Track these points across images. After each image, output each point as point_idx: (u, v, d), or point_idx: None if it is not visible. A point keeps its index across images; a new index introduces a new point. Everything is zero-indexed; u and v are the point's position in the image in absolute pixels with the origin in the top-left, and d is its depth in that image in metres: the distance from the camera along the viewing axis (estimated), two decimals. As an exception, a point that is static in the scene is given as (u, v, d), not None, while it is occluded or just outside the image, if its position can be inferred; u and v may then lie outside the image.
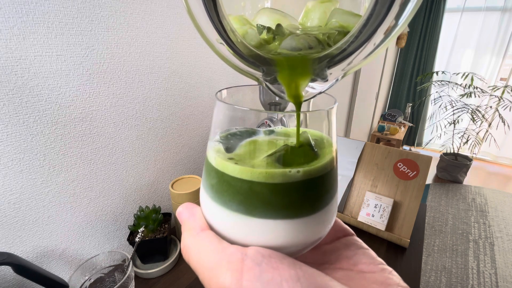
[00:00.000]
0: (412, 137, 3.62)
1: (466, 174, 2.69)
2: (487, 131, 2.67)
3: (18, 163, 0.46)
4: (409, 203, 0.70)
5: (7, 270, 0.48)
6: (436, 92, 2.86)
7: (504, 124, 2.48)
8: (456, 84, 2.65)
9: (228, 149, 0.17)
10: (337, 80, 0.16)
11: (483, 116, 2.55)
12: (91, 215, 0.59)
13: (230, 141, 0.17)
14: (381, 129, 3.18)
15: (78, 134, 0.53)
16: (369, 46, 0.14)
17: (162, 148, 0.71)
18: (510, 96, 2.46)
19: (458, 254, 1.76)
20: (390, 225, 0.70)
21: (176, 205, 0.64)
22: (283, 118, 0.51)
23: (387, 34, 0.13)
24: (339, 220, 0.20)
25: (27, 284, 0.50)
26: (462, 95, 2.56)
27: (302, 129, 0.17)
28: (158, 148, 0.70)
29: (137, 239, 0.55)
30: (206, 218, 0.17)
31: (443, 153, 2.84)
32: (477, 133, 2.70)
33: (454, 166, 2.66)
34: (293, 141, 0.17)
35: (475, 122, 2.58)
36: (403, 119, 3.45)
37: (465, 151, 2.81)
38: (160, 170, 0.73)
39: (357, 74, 2.01)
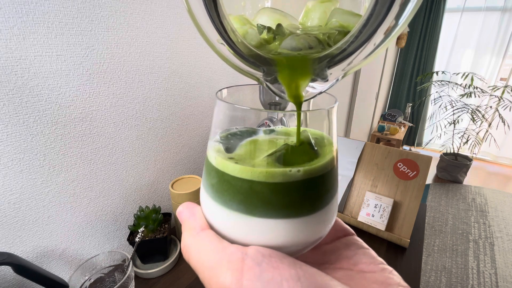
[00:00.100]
0: (412, 137, 3.62)
1: (466, 174, 2.69)
2: (487, 131, 2.67)
3: (18, 163, 0.46)
4: (409, 203, 0.70)
5: (7, 270, 0.48)
6: (436, 92, 2.86)
7: (504, 124, 2.48)
8: (456, 84, 2.65)
9: (228, 149, 0.17)
10: (337, 80, 0.16)
11: (483, 116, 2.55)
12: (91, 215, 0.59)
13: (230, 141, 0.17)
14: (381, 129, 3.18)
15: (78, 134, 0.53)
16: (369, 46, 0.14)
17: (162, 148, 0.71)
18: (510, 96, 2.46)
19: (458, 254, 1.76)
20: (390, 225, 0.70)
21: (176, 205, 0.64)
22: (283, 118, 0.51)
23: (387, 34, 0.14)
24: (340, 220, 0.20)
25: (27, 284, 0.50)
26: (462, 95, 2.57)
27: (302, 129, 0.17)
28: (158, 148, 0.70)
29: (137, 239, 0.55)
30: (206, 218, 0.17)
31: (443, 153, 2.84)
32: (477, 133, 2.70)
33: (454, 166, 2.66)
34: (293, 140, 0.17)
35: (475, 122, 2.58)
36: (403, 119, 3.45)
37: (465, 151, 2.81)
38: (160, 170, 0.73)
39: (357, 74, 2.01)
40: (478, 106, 2.56)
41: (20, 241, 0.49)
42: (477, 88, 2.52)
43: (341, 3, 0.16)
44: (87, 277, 0.51)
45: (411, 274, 0.62)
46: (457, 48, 3.20)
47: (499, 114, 2.48)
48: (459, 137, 2.73)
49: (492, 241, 1.88)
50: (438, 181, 2.73)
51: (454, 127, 2.70)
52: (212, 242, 0.15)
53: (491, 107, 2.59)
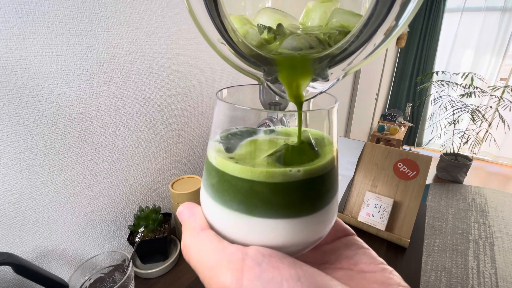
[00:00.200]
0: (412, 137, 3.62)
1: (466, 174, 2.69)
2: (487, 131, 2.67)
3: (18, 163, 0.46)
4: (409, 203, 0.70)
5: (7, 270, 0.48)
6: (436, 92, 2.86)
7: (504, 124, 2.48)
8: (456, 84, 2.65)
9: (229, 149, 0.17)
10: (338, 80, 0.16)
11: (483, 116, 2.55)
12: (91, 215, 0.59)
13: (230, 141, 0.17)
14: (381, 129, 3.18)
15: (78, 134, 0.53)
16: (369, 46, 0.14)
17: (162, 148, 0.71)
18: (510, 96, 2.46)
19: (458, 254, 1.76)
20: (390, 225, 0.70)
21: (176, 205, 0.64)
22: (283, 118, 0.51)
23: (388, 34, 0.14)
24: (340, 220, 0.20)
25: (27, 284, 0.50)
26: (462, 95, 2.57)
27: (302, 129, 0.17)
28: (158, 148, 0.70)
29: (137, 239, 0.55)
30: (206, 218, 0.17)
31: (443, 153, 2.84)
32: (477, 133, 2.70)
33: (454, 166, 2.66)
34: (293, 140, 0.17)
35: (475, 122, 2.58)
36: (403, 119, 3.45)
37: (465, 151, 2.81)
38: (160, 170, 0.73)
39: (357, 74, 2.01)
40: (478, 106, 2.56)
41: (20, 241, 0.49)
42: (477, 88, 2.52)
43: (342, 3, 0.16)
44: (87, 277, 0.51)
45: (411, 274, 0.62)
46: (457, 48, 3.20)
47: (499, 114, 2.48)
48: (459, 137, 2.73)
49: (492, 241, 1.88)
50: (438, 181, 2.73)
51: (454, 127, 2.70)
52: (212, 242, 0.15)
53: (491, 107, 2.59)
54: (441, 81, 2.75)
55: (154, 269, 0.59)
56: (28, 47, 0.43)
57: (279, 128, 0.19)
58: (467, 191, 2.52)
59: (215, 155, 0.17)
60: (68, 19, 0.47)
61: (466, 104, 2.60)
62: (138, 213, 0.61)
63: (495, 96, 2.53)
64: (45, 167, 0.50)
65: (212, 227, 0.17)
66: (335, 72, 0.16)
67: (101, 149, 0.58)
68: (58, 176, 0.52)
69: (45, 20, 0.44)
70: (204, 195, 0.18)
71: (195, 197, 0.63)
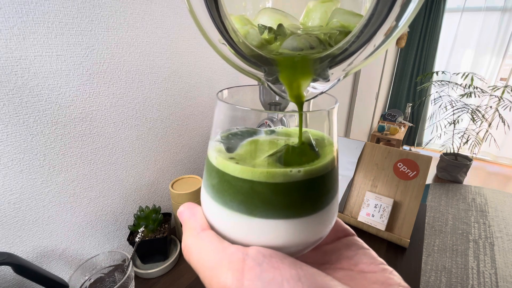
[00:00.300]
0: (412, 137, 3.62)
1: (466, 174, 2.69)
2: (487, 131, 2.67)
3: (18, 163, 0.46)
4: (409, 203, 0.70)
5: (7, 270, 0.48)
6: (436, 92, 2.86)
7: (504, 124, 2.48)
8: (456, 84, 2.65)
9: (229, 149, 0.17)
10: (338, 80, 0.16)
11: (483, 116, 2.55)
12: (91, 215, 0.59)
13: (231, 141, 0.17)
14: (381, 129, 3.18)
15: (78, 134, 0.53)
16: (370, 47, 0.14)
17: (162, 148, 0.71)
18: (510, 96, 2.46)
19: (458, 254, 1.76)
20: (390, 225, 0.70)
21: (176, 205, 0.64)
22: (283, 118, 0.51)
23: (388, 35, 0.14)
24: (340, 220, 0.20)
25: (27, 284, 0.50)
26: (462, 95, 2.57)
27: (303, 129, 0.17)
28: (158, 148, 0.70)
29: (137, 239, 0.55)
30: (207, 218, 0.17)
31: (443, 153, 2.84)
32: (477, 133, 2.70)
33: (454, 166, 2.66)
34: (294, 140, 0.17)
35: (475, 122, 2.58)
36: (403, 119, 3.45)
37: (465, 151, 2.81)
38: (160, 170, 0.73)
39: (357, 74, 2.01)
40: (478, 106, 2.56)
41: (20, 241, 0.49)
42: (477, 88, 2.52)
43: (342, 3, 0.16)
44: (87, 277, 0.51)
45: (411, 274, 0.62)
46: (457, 48, 3.20)
47: (499, 114, 2.48)
48: (459, 137, 2.73)
49: (492, 241, 1.88)
50: (438, 181, 2.73)
51: (454, 127, 2.70)
52: (212, 242, 0.15)
53: (491, 107, 2.59)
54: (441, 81, 2.75)
55: (154, 269, 0.59)
56: (28, 47, 0.43)
57: (279, 128, 0.19)
58: (467, 191, 2.52)
59: (216, 155, 0.17)
60: (68, 19, 0.47)
61: (466, 104, 2.60)
62: (138, 213, 0.61)
63: (495, 96, 2.53)
64: (45, 167, 0.50)
65: (212, 228, 0.17)
66: (335, 73, 0.16)
67: (101, 149, 0.58)
68: (58, 176, 0.52)
69: (45, 20, 0.44)
70: (205, 196, 0.18)
71: (195, 197, 0.63)
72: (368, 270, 0.16)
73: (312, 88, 0.17)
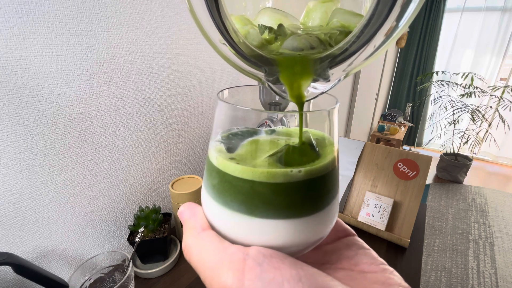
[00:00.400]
0: (412, 137, 3.62)
1: (466, 174, 2.69)
2: (487, 131, 2.67)
3: (18, 163, 0.46)
4: (409, 203, 0.70)
5: (7, 270, 0.48)
6: (436, 92, 2.86)
7: (504, 124, 2.48)
8: (456, 84, 2.65)
9: (230, 149, 0.17)
10: (339, 80, 0.16)
11: (483, 116, 2.55)
12: (91, 215, 0.59)
13: (231, 141, 0.17)
14: (381, 129, 3.18)
15: (78, 134, 0.53)
16: (370, 47, 0.14)
17: (162, 148, 0.71)
18: (510, 96, 2.46)
19: (458, 254, 1.76)
20: (390, 225, 0.70)
21: (176, 205, 0.64)
22: (283, 118, 0.51)
23: (388, 35, 0.14)
24: (340, 220, 0.20)
25: (27, 284, 0.50)
26: (462, 95, 2.57)
27: (303, 129, 0.17)
28: (158, 148, 0.70)
29: (137, 239, 0.55)
30: (207, 218, 0.17)
31: (443, 153, 2.84)
32: (477, 133, 2.70)
33: (454, 166, 2.66)
34: (294, 140, 0.17)
35: (475, 122, 2.58)
36: (403, 119, 3.45)
37: (465, 151, 2.81)
38: (160, 170, 0.73)
39: (357, 74, 2.01)
40: (478, 106, 2.56)
41: (20, 241, 0.49)
42: (477, 88, 2.52)
43: (342, 3, 0.16)
44: (87, 277, 0.51)
45: (411, 274, 0.62)
46: (457, 48, 3.20)
47: (499, 114, 2.48)
48: (459, 137, 2.73)
49: (492, 241, 1.88)
50: (438, 181, 2.73)
51: (454, 127, 2.70)
52: (213, 242, 0.15)
53: (491, 107, 2.59)
54: (441, 81, 2.75)
55: (154, 269, 0.59)
56: (28, 47, 0.43)
57: (280, 128, 0.19)
58: (467, 191, 2.52)
59: (216, 155, 0.17)
60: (68, 19, 0.47)
61: (466, 104, 2.60)
62: (138, 213, 0.61)
63: (495, 96, 2.53)
64: (45, 167, 0.50)
65: (213, 228, 0.17)
66: (336, 73, 0.16)
67: (101, 149, 0.58)
68: (58, 176, 0.52)
69: (45, 20, 0.44)
70: (205, 195, 0.18)
71: (195, 197, 0.63)
72: (368, 270, 0.16)
73: (313, 88, 0.17)
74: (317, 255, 0.19)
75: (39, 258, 0.52)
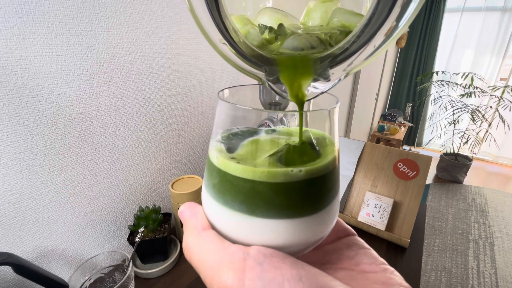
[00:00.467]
0: (412, 137, 3.62)
1: (466, 174, 2.69)
2: (487, 131, 2.67)
3: (18, 163, 0.46)
4: (409, 203, 0.70)
5: (7, 270, 0.48)
6: (436, 92, 2.86)
7: (504, 124, 2.48)
8: (456, 84, 2.65)
9: (230, 149, 0.17)
10: (339, 80, 0.16)
11: (483, 116, 2.56)
12: (91, 215, 0.59)
13: (232, 141, 0.17)
14: (381, 129, 3.18)
15: (78, 134, 0.53)
16: (370, 47, 0.14)
17: (162, 148, 0.71)
18: (510, 96, 2.46)
19: (458, 254, 1.76)
20: (390, 225, 0.70)
21: (176, 205, 0.64)
22: (283, 118, 0.51)
23: (388, 35, 0.14)
24: (341, 220, 0.20)
25: (27, 284, 0.50)
26: (462, 95, 2.57)
27: (304, 129, 0.17)
28: (158, 148, 0.70)
29: (137, 239, 0.55)
30: (208, 218, 0.17)
31: (443, 153, 2.84)
32: (477, 133, 2.70)
33: (454, 166, 2.66)
34: (295, 140, 0.17)
35: (475, 122, 2.58)
36: (403, 119, 3.45)
37: (465, 151, 2.81)
38: (160, 170, 0.73)
39: (357, 74, 2.01)
40: (478, 106, 2.56)
41: (20, 241, 0.49)
42: (477, 88, 2.52)
43: (343, 3, 0.16)
44: (87, 277, 0.51)
45: (411, 274, 0.62)
46: (457, 48, 3.20)
47: (499, 114, 2.48)
48: (459, 137, 2.74)
49: (492, 241, 1.88)
50: (438, 181, 2.73)
51: (454, 127, 2.70)
52: (213, 242, 0.15)
53: (491, 107, 2.59)
54: (441, 81, 2.75)
55: (154, 269, 0.59)
56: (28, 47, 0.43)
57: (280, 128, 0.19)
58: (467, 191, 2.52)
59: (217, 155, 0.17)
60: (68, 19, 0.47)
61: (466, 104, 2.60)
62: (138, 213, 0.61)
63: (495, 96, 2.53)
64: (45, 167, 0.49)
65: (213, 227, 0.17)
66: (336, 72, 0.16)
67: (101, 149, 0.58)
68: (58, 176, 0.52)
69: (45, 20, 0.44)
70: (206, 195, 0.18)
71: (195, 197, 0.63)
72: (369, 270, 0.16)
73: (313, 87, 0.17)
74: (318, 255, 0.19)
75: (39, 258, 0.52)
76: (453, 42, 3.19)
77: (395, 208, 0.71)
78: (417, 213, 0.70)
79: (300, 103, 0.17)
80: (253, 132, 0.18)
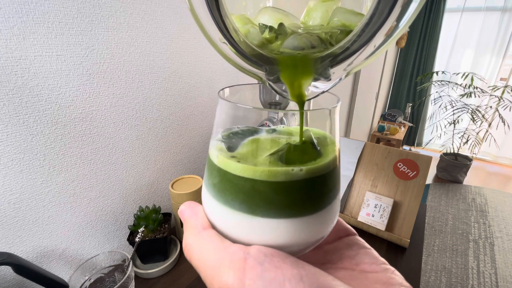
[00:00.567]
0: (412, 137, 3.62)
1: (466, 174, 2.69)
2: (487, 131, 2.67)
3: (18, 163, 0.46)
4: (409, 203, 0.70)
5: (7, 270, 0.48)
6: (436, 92, 2.86)
7: (504, 124, 2.48)
8: (456, 84, 2.65)
9: (231, 148, 0.17)
10: (340, 79, 0.16)
11: (483, 116, 2.56)
12: (91, 215, 0.59)
13: (232, 140, 0.17)
14: (381, 129, 3.18)
15: (78, 134, 0.53)
16: (370, 47, 0.14)
17: (162, 148, 0.71)
18: (510, 96, 2.46)
19: (458, 254, 1.76)
20: (390, 225, 0.70)
21: (176, 205, 0.64)
22: (283, 118, 0.51)
23: (388, 35, 0.14)
24: (341, 220, 0.20)
25: (27, 284, 0.50)
26: (462, 95, 2.57)
27: (304, 128, 0.17)
28: (158, 148, 0.70)
29: (137, 239, 0.55)
30: (208, 217, 0.17)
31: (443, 153, 2.84)
32: (477, 133, 2.70)
33: (454, 166, 2.66)
34: (295, 139, 0.17)
35: (475, 122, 2.58)
36: (403, 119, 3.45)
37: (465, 151, 2.81)
38: (160, 170, 0.73)
39: (357, 74, 2.01)
40: (478, 106, 2.56)
41: (20, 241, 0.49)
42: (477, 88, 2.52)
43: (343, 2, 0.16)
44: (87, 277, 0.51)
45: (411, 274, 0.62)
46: (457, 48, 3.20)
47: (499, 114, 2.48)
48: (459, 137, 2.74)
49: (492, 241, 1.88)
50: (438, 181, 2.73)
51: (454, 127, 2.70)
52: (213, 241, 0.15)
53: (491, 107, 2.59)
54: (441, 81, 2.75)
55: (154, 269, 0.59)
56: (28, 47, 0.43)
57: (281, 127, 0.19)
58: (467, 191, 2.52)
59: (217, 154, 0.17)
60: (68, 19, 0.47)
61: (466, 104, 2.60)
62: (138, 213, 0.61)
63: (495, 96, 2.53)
64: (45, 167, 0.49)
65: (213, 227, 0.17)
66: (336, 72, 0.16)
67: (101, 149, 0.58)
68: (58, 176, 0.52)
69: (45, 20, 0.44)
70: (206, 194, 0.18)
71: (195, 197, 0.63)
72: (369, 270, 0.16)
73: (314, 87, 0.17)
74: (318, 255, 0.19)
75: (39, 258, 0.52)
76: (453, 42, 3.19)
77: (395, 208, 0.71)
78: (417, 213, 0.70)
79: (301, 102, 0.17)
80: (253, 131, 0.18)
